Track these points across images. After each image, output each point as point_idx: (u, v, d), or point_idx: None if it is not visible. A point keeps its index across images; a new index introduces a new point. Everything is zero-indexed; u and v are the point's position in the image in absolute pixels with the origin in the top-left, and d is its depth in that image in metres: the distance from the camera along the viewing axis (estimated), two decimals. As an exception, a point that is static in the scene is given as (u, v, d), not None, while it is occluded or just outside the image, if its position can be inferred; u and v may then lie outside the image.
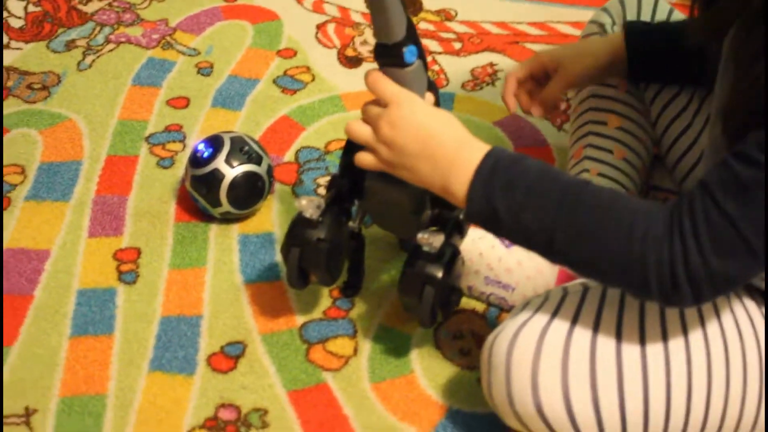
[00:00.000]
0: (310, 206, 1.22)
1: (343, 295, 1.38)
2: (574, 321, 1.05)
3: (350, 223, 1.30)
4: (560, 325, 1.05)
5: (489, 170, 1.01)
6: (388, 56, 1.10)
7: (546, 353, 1.03)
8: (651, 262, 0.93)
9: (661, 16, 1.46)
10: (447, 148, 1.06)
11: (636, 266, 0.94)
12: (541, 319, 1.06)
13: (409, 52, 1.11)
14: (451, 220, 1.23)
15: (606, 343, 1.04)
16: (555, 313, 1.06)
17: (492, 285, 1.32)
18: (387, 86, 1.10)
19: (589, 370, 1.02)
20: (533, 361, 1.03)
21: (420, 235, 1.17)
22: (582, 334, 1.04)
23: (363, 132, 1.11)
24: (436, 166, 1.05)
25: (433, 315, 1.18)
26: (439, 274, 1.17)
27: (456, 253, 1.21)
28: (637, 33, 1.38)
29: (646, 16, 1.47)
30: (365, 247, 1.36)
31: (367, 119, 1.12)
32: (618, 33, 1.40)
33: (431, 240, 1.17)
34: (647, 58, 1.38)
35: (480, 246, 1.33)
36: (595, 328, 1.05)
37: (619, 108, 1.45)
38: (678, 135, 1.44)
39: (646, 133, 1.46)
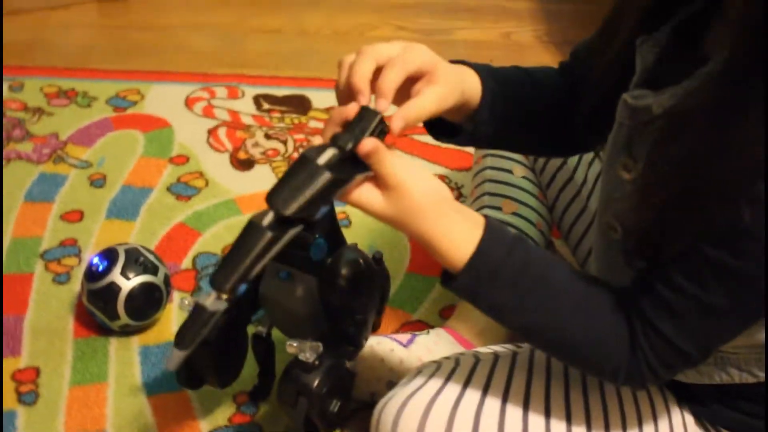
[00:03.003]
0: None
1: (251, 400, 1.37)
2: (462, 392, 1.06)
3: (258, 328, 1.30)
4: (448, 395, 1.06)
5: (478, 263, 0.97)
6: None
7: (431, 423, 1.03)
8: (611, 373, 0.99)
9: None
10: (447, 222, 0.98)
11: (601, 373, 1.01)
12: (431, 388, 1.06)
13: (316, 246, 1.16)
14: (346, 330, 1.24)
15: (490, 416, 1.05)
16: (445, 383, 1.07)
17: None
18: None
19: None
20: (418, 431, 1.03)
21: (289, 343, 1.17)
22: (468, 406, 1.05)
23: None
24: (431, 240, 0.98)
25: (308, 425, 1.18)
26: (314, 385, 1.16)
27: (339, 364, 1.21)
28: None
29: None
30: (275, 351, 1.35)
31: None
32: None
33: (302, 349, 1.17)
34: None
35: (379, 352, 1.34)
36: (481, 400, 1.06)
37: (514, 193, 1.47)
38: (574, 220, 1.46)
39: (542, 217, 1.48)
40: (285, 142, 1.95)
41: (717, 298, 0.92)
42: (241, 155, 1.91)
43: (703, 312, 0.94)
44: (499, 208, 1.45)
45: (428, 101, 1.01)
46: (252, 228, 0.90)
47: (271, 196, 0.89)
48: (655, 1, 1.05)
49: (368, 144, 0.91)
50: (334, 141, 0.93)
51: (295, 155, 1.91)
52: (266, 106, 2.07)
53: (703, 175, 0.90)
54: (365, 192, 0.94)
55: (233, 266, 0.91)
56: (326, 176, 0.89)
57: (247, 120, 2.02)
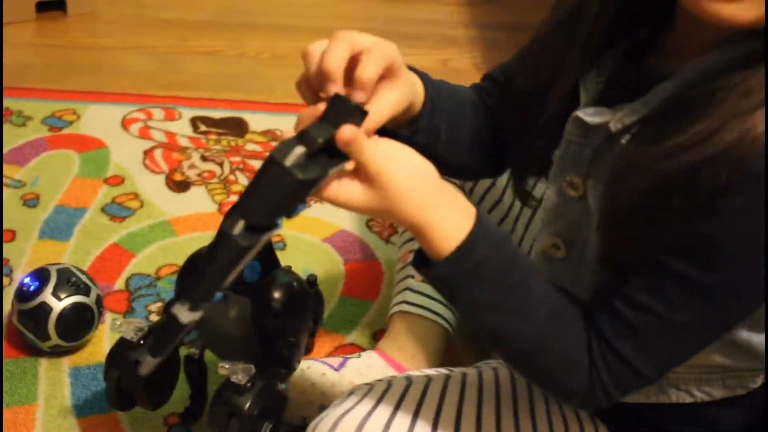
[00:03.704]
0: (129, 328, 1.21)
1: (183, 422, 1.36)
2: (394, 413, 1.06)
3: (191, 349, 1.30)
4: (380, 416, 1.05)
5: (464, 254, 0.93)
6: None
7: None
8: (567, 392, 1.00)
9: None
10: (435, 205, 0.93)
11: (559, 391, 1.03)
12: (363, 409, 1.05)
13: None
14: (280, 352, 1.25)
15: None
16: (377, 404, 1.06)
17: None
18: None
19: None
20: None
21: (221, 365, 1.17)
22: (399, 427, 1.04)
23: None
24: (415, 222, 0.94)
25: None
26: (245, 407, 1.15)
27: (271, 386, 1.21)
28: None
29: None
30: (207, 372, 1.35)
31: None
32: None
33: (235, 371, 1.17)
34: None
35: (311, 376, 1.34)
36: (413, 421, 1.06)
37: None
38: None
39: None
40: (221, 164, 1.95)
41: (681, 314, 0.92)
42: (177, 177, 1.91)
43: (666, 330, 0.94)
44: None
45: (389, 105, 0.96)
46: (223, 237, 0.87)
47: (240, 205, 0.87)
48: (599, 37, 1.06)
49: (346, 132, 0.85)
50: (303, 135, 0.86)
51: (231, 177, 1.92)
52: (203, 128, 2.08)
53: (673, 187, 0.91)
54: (343, 187, 0.88)
55: (206, 278, 0.90)
56: (295, 179, 0.84)
57: (183, 142, 2.02)
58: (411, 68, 1.06)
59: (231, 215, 0.87)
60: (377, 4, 2.71)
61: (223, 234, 0.87)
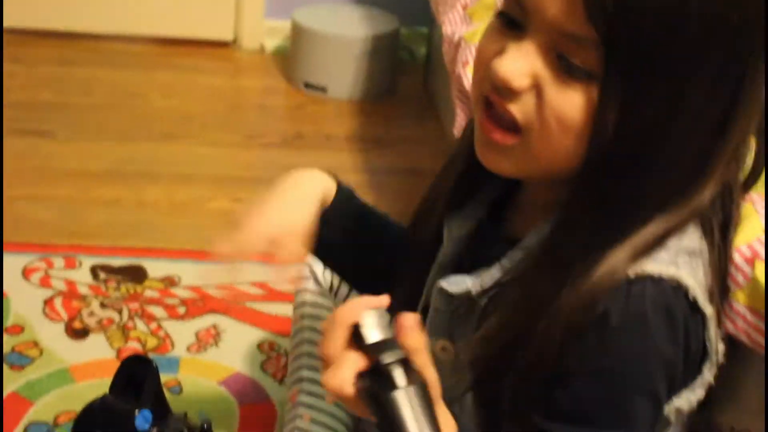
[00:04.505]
0: None
1: None
2: None
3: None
4: None
5: None
6: None
7: None
8: None
9: None
10: None
11: None
12: None
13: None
14: None
15: None
16: None
17: None
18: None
19: None
20: None
21: None
22: None
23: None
24: None
25: None
26: None
27: None
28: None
29: None
30: None
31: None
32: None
33: None
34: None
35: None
36: None
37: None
38: None
39: None
40: (120, 312, 1.99)
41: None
42: (77, 324, 1.94)
43: None
44: (317, 369, 1.45)
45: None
46: None
47: None
48: (460, 182, 1.13)
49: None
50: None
51: (130, 324, 1.96)
52: (103, 275, 2.11)
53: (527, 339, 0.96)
54: None
55: None
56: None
57: (83, 290, 2.05)
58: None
59: None
60: (274, 152, 2.75)
61: None
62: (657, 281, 0.95)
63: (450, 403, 1.03)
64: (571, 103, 0.93)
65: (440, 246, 1.16)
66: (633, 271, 0.95)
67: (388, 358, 0.83)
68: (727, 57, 0.92)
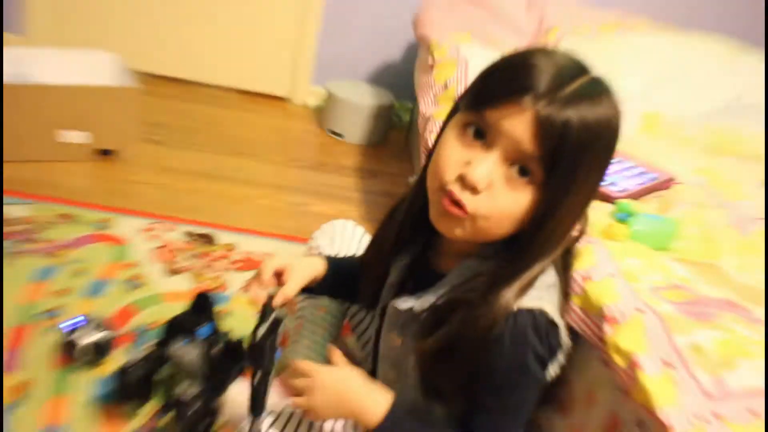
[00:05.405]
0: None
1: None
2: None
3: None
4: None
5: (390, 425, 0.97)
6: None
7: None
8: None
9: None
10: (357, 396, 0.98)
11: None
12: None
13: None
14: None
15: None
16: None
17: None
18: (306, 365, 1.04)
19: None
20: None
21: (181, 384, 1.25)
22: None
23: (299, 401, 1.03)
24: (350, 410, 0.99)
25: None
26: (189, 413, 1.22)
27: (207, 400, 1.24)
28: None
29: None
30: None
31: (300, 388, 1.03)
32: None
33: (185, 390, 1.24)
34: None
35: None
36: None
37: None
38: (366, 326, 1.35)
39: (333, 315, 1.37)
40: (199, 260, 1.94)
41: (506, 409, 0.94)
42: (170, 267, 1.88)
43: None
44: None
45: (293, 286, 1.10)
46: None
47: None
48: (401, 235, 1.07)
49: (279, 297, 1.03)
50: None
51: (203, 271, 1.89)
52: (189, 238, 2.03)
53: (458, 342, 0.93)
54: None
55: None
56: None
57: (176, 245, 1.98)
58: (326, 257, 1.20)
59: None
60: (305, 171, 2.66)
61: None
62: (530, 311, 0.92)
63: (398, 372, 1.08)
64: (514, 200, 0.88)
65: (388, 272, 1.11)
66: (516, 305, 0.91)
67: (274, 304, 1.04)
68: (604, 165, 0.91)
